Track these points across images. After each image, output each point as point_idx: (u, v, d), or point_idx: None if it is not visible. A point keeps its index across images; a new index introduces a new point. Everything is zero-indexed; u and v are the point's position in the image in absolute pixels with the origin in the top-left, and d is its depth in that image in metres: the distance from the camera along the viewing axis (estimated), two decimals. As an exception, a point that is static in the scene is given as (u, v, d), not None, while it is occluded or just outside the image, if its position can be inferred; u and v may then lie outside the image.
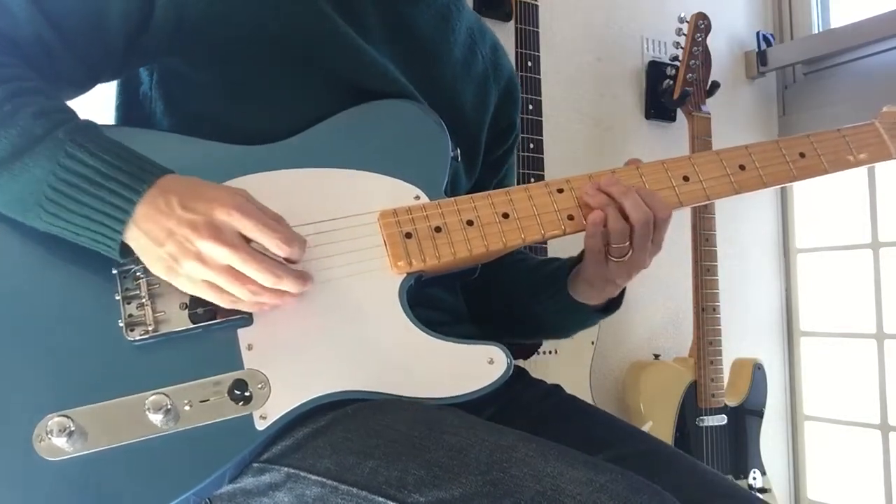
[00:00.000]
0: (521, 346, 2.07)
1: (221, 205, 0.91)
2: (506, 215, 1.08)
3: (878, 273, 2.67)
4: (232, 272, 0.92)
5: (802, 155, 1.18)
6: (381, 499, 0.88)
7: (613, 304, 1.25)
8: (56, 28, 0.99)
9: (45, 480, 0.91)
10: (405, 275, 1.04)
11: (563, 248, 1.23)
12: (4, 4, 0.98)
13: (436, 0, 1.23)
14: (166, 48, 1.06)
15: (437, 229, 1.06)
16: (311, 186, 1.05)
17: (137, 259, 0.95)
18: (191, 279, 0.93)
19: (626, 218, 1.08)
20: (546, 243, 1.93)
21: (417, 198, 1.08)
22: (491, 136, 1.32)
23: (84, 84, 1.08)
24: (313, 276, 0.99)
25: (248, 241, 0.93)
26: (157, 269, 0.94)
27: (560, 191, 1.11)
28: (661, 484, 0.87)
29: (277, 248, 0.93)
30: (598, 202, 1.09)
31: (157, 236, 0.91)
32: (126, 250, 0.93)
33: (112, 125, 1.15)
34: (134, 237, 0.92)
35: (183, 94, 1.10)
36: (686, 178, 1.14)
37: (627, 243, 1.09)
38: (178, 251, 0.91)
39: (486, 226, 1.07)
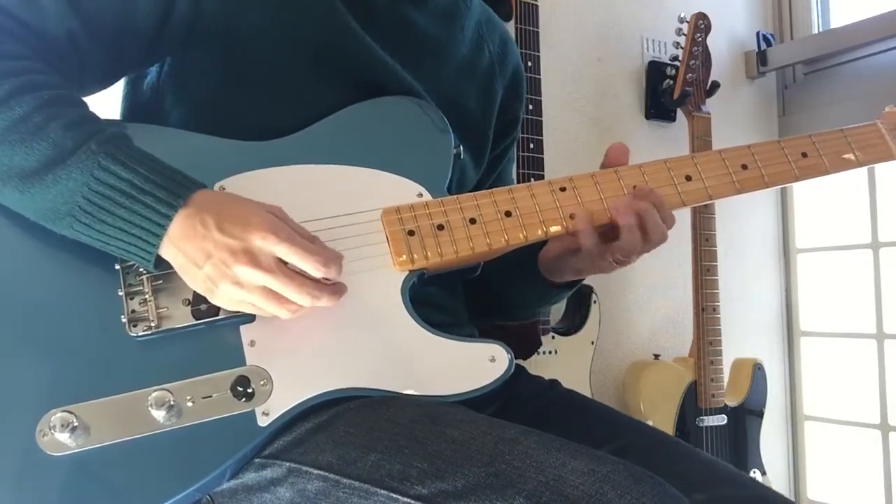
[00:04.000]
0: (521, 346, 2.08)
1: (257, 229, 0.91)
2: (508, 213, 1.08)
3: (878, 273, 2.67)
4: (269, 293, 0.93)
5: (805, 155, 1.19)
6: (383, 491, 0.88)
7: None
8: (84, 21, 1.00)
9: (48, 475, 0.91)
10: (408, 272, 1.04)
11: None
12: None
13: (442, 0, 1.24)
14: (184, 42, 1.07)
15: (440, 227, 1.06)
16: (314, 183, 1.05)
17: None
18: (229, 299, 0.94)
19: (642, 229, 1.09)
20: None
21: (420, 195, 1.08)
22: (496, 130, 1.33)
23: (107, 79, 1.09)
24: (346, 286, 1.00)
25: (285, 262, 0.93)
26: (196, 287, 0.95)
27: (563, 189, 1.11)
28: (662, 473, 0.87)
29: (315, 272, 0.94)
30: (629, 218, 1.10)
31: (195, 257, 0.92)
32: (160, 262, 0.94)
33: (121, 121, 1.15)
34: (171, 254, 0.93)
35: (192, 86, 1.10)
36: (688, 178, 1.15)
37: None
38: (215, 273, 0.92)
39: (489, 224, 1.07)
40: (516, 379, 1.19)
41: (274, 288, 0.93)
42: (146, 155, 0.94)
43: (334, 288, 0.97)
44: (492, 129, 1.31)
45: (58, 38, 0.99)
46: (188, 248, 0.92)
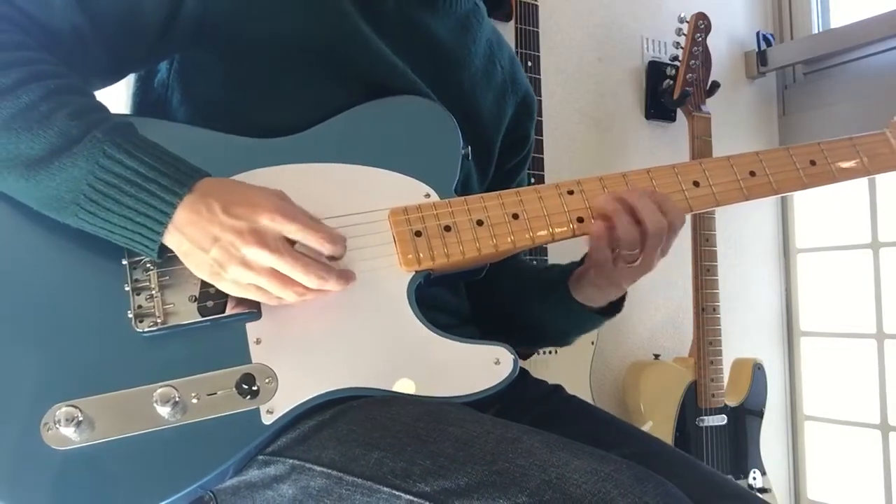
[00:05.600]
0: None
1: (264, 209, 0.92)
2: (515, 216, 1.08)
3: (878, 273, 2.67)
4: (277, 275, 0.93)
5: (813, 163, 1.19)
6: (386, 489, 0.88)
7: (614, 307, 1.26)
8: (90, 17, 1.00)
9: (52, 469, 0.91)
10: (414, 273, 1.04)
11: (566, 249, 1.24)
12: None
13: (456, 10, 1.23)
14: (191, 40, 1.07)
15: (447, 228, 1.06)
16: (321, 182, 1.05)
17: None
18: (237, 283, 0.94)
19: (638, 223, 1.08)
20: (546, 246, 1.93)
21: (428, 196, 1.08)
22: (504, 145, 1.33)
23: (113, 75, 1.09)
24: (356, 274, 1.00)
25: (291, 243, 0.94)
26: (201, 273, 0.95)
27: (570, 192, 1.11)
28: None
29: (321, 247, 0.94)
30: (613, 209, 1.09)
31: (201, 242, 0.92)
32: (164, 250, 0.94)
33: (128, 115, 1.15)
34: (176, 241, 0.93)
35: (201, 84, 1.10)
36: (696, 184, 1.15)
37: (638, 250, 1.10)
38: (223, 257, 0.92)
39: (496, 226, 1.07)
40: (519, 381, 1.19)
41: (281, 269, 0.93)
42: (151, 143, 0.94)
43: (341, 273, 0.98)
44: (499, 141, 1.31)
45: (63, 32, 0.99)
46: (193, 232, 0.92)
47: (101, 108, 0.96)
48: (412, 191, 1.08)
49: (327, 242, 0.94)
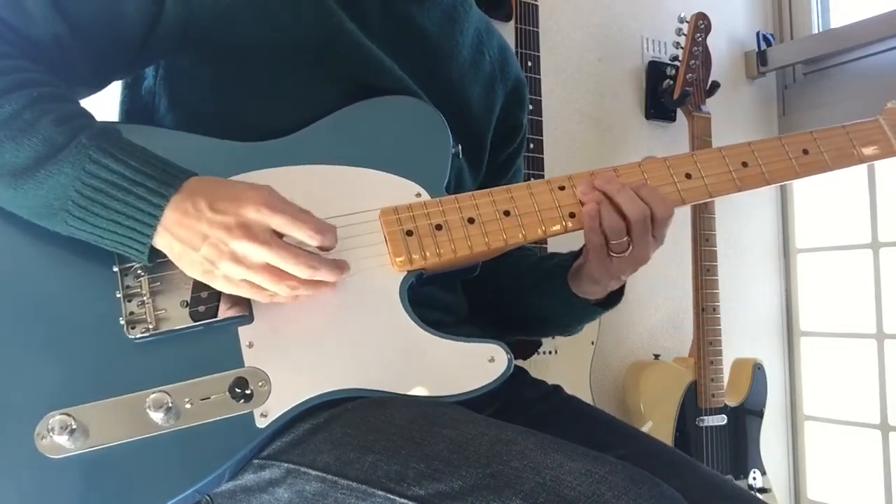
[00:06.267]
0: (521, 346, 2.08)
1: (250, 202, 0.92)
2: (507, 213, 1.08)
3: (878, 273, 2.67)
4: (269, 269, 0.93)
5: (806, 151, 1.18)
6: (381, 492, 0.88)
7: (615, 297, 1.25)
8: (70, 25, 0.99)
9: (47, 478, 0.91)
10: (406, 273, 1.04)
11: (564, 246, 1.24)
12: (21, 2, 0.97)
13: (443, 1, 1.23)
14: (176, 45, 1.06)
15: (438, 227, 1.05)
16: (312, 183, 1.05)
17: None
18: (229, 280, 0.94)
19: (622, 214, 1.08)
20: (546, 240, 1.93)
21: (418, 195, 1.07)
22: (497, 136, 1.32)
23: (97, 83, 1.09)
24: (349, 265, 1.00)
25: (280, 236, 0.93)
26: (194, 273, 0.95)
27: (562, 188, 1.11)
28: None
29: (310, 239, 0.94)
30: (592, 198, 1.09)
31: (191, 241, 0.92)
32: (154, 253, 0.94)
33: (116, 122, 1.15)
34: (166, 242, 0.93)
35: (187, 89, 1.10)
36: (688, 175, 1.14)
37: (626, 239, 1.09)
38: (213, 254, 0.91)
39: (488, 223, 1.07)
40: (518, 381, 1.19)
41: (271, 261, 0.92)
42: (137, 147, 0.94)
43: (334, 262, 0.97)
44: (491, 132, 1.30)
45: (45, 41, 0.99)
46: (182, 232, 0.92)
47: (86, 114, 0.96)
48: (403, 190, 1.07)
49: (315, 233, 0.94)
